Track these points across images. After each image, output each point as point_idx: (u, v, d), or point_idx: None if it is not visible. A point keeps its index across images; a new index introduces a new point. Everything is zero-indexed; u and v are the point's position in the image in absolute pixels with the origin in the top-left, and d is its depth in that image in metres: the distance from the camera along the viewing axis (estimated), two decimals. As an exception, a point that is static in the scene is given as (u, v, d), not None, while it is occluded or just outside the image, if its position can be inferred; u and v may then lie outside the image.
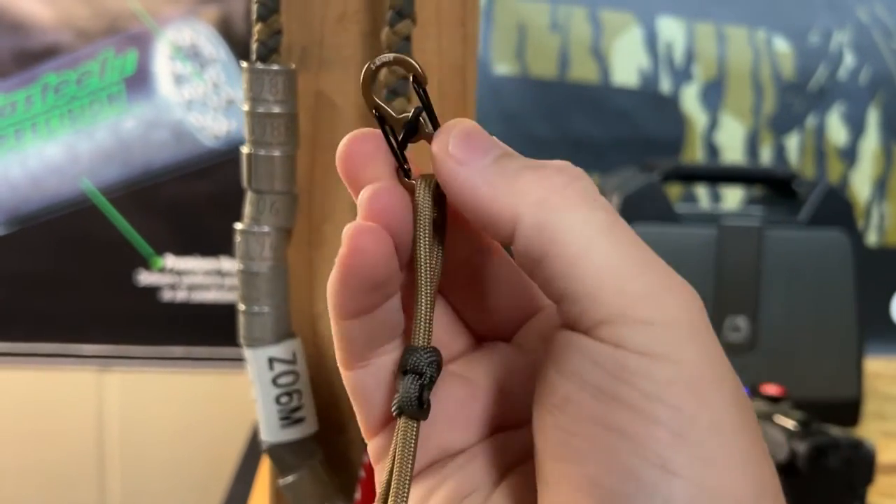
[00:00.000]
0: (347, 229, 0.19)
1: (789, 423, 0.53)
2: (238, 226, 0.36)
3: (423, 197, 0.19)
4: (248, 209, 0.35)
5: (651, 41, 1.08)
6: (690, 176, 0.87)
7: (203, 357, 1.03)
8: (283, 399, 0.36)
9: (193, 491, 1.04)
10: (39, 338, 1.02)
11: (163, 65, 1.00)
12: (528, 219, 0.18)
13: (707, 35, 1.09)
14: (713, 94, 1.10)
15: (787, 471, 0.51)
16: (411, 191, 0.20)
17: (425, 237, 0.19)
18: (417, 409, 0.19)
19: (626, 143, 1.08)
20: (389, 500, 0.19)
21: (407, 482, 0.19)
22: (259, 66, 0.34)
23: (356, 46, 0.37)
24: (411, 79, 0.20)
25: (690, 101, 1.09)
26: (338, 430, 0.39)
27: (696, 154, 1.10)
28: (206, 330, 1.02)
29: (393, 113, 0.20)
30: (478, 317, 0.22)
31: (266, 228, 0.35)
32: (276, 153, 0.35)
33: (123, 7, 0.99)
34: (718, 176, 0.92)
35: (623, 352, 0.17)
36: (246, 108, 0.35)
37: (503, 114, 1.07)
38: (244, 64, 0.35)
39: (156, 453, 1.04)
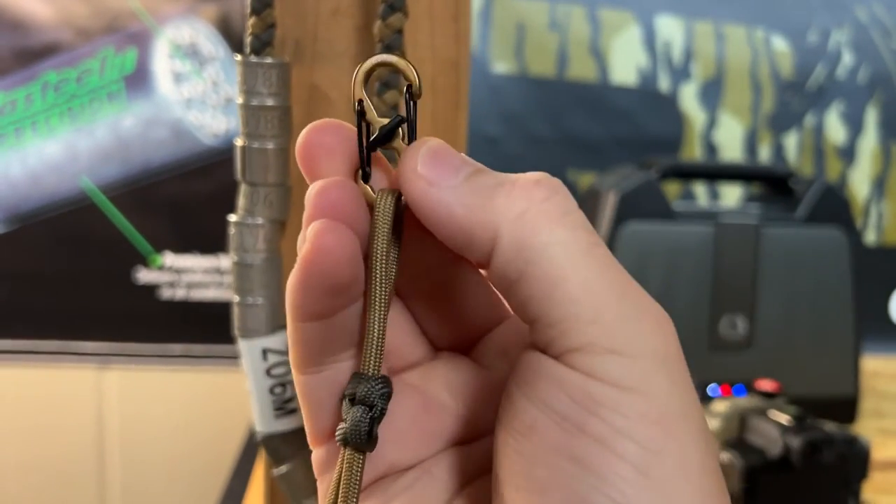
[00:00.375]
0: (312, 227, 0.17)
1: (784, 419, 0.53)
2: (232, 218, 0.36)
3: (383, 212, 0.18)
4: (241, 201, 0.36)
5: (650, 40, 1.08)
6: (688, 173, 0.87)
7: (202, 355, 1.03)
8: (277, 390, 0.36)
9: (192, 487, 1.04)
10: (39, 335, 1.02)
11: (162, 63, 1.00)
12: (507, 237, 0.17)
13: (706, 34, 1.09)
14: (712, 93, 1.10)
15: (781, 466, 0.52)
16: (369, 200, 0.18)
17: (381, 257, 0.18)
18: (366, 441, 0.18)
19: (624, 141, 1.09)
20: None
21: None
22: (253, 59, 0.34)
23: (350, 40, 0.37)
24: (405, 88, 0.19)
25: (689, 99, 1.09)
26: (331, 421, 0.39)
27: (694, 153, 1.10)
28: (205, 328, 1.03)
29: (375, 112, 0.19)
30: (437, 326, 0.21)
31: (260, 220, 0.35)
32: (270, 146, 0.35)
33: (123, 5, 0.99)
34: (715, 173, 0.92)
35: (593, 381, 0.17)
36: (240, 100, 0.35)
37: (502, 112, 1.07)
38: (238, 57, 0.35)
39: (155, 450, 1.04)
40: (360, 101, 0.19)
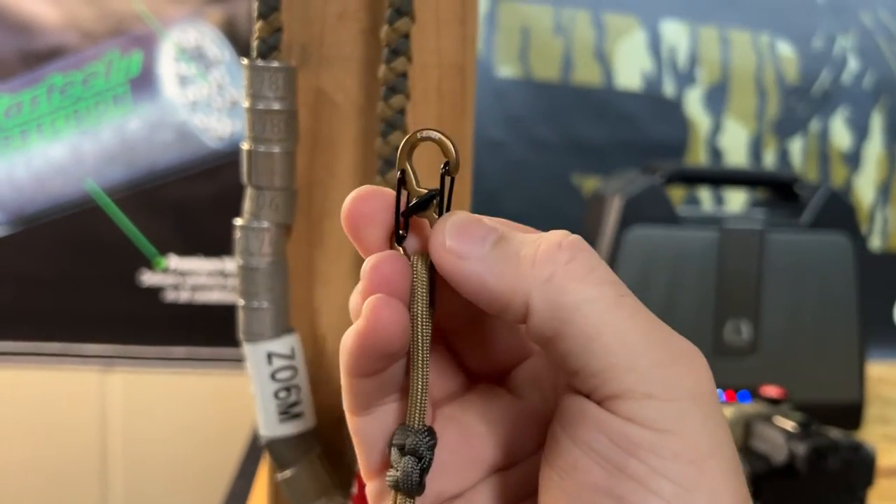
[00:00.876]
0: (368, 302, 0.19)
1: (789, 425, 0.53)
2: (238, 221, 0.36)
3: (420, 277, 0.20)
4: (247, 205, 0.36)
5: (655, 45, 1.08)
6: (692, 178, 0.87)
7: (205, 358, 1.03)
8: (282, 394, 0.36)
9: (195, 490, 1.04)
10: (43, 337, 1.02)
11: (167, 66, 1.01)
12: (539, 301, 0.18)
13: (711, 39, 1.09)
14: (717, 98, 1.10)
15: (786, 472, 0.51)
16: (404, 260, 0.20)
17: (422, 319, 0.20)
18: (416, 489, 0.20)
19: (629, 146, 1.08)
20: None
21: None
22: (259, 62, 0.34)
23: (356, 44, 0.37)
24: (442, 165, 0.20)
25: (694, 104, 1.09)
26: (335, 425, 0.39)
27: (699, 158, 1.10)
28: (209, 330, 1.03)
29: (415, 182, 0.20)
30: (472, 359, 0.23)
31: (265, 224, 0.35)
32: (276, 149, 0.35)
33: (129, 8, 0.99)
34: (720, 178, 0.92)
35: (631, 425, 0.18)
36: (246, 104, 0.35)
37: (506, 116, 1.07)
38: (244, 61, 0.35)
39: (158, 453, 1.04)
40: (403, 171, 0.20)
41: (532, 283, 0.19)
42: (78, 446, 1.04)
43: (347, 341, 0.19)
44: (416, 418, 0.20)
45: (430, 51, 0.36)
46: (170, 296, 1.02)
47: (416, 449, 0.20)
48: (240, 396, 0.98)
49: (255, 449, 0.76)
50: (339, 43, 0.37)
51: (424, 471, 0.20)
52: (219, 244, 1.02)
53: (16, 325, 1.02)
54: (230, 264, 1.02)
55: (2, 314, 1.02)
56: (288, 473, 0.37)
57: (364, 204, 0.20)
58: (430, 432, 0.20)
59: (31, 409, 1.03)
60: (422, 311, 0.20)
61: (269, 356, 0.36)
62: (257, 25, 0.35)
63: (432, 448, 0.20)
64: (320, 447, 0.38)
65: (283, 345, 0.36)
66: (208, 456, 1.04)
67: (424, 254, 0.20)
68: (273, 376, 0.36)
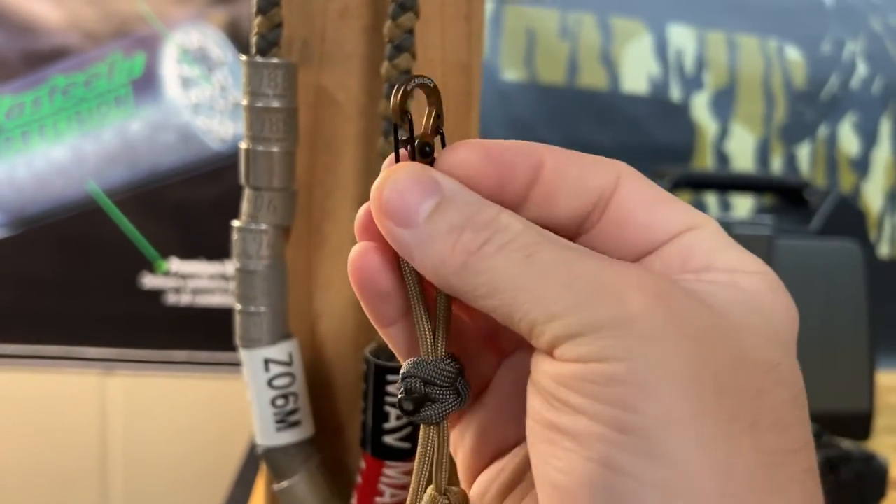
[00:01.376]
0: (354, 248, 0.21)
1: (799, 435, 0.52)
2: (235, 223, 0.35)
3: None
4: (245, 206, 0.35)
5: (661, 49, 1.07)
6: (701, 183, 0.86)
7: (206, 361, 1.02)
8: (279, 402, 0.35)
9: (194, 494, 1.03)
10: (43, 340, 1.01)
11: (170, 68, 1.00)
12: (457, 285, 0.19)
13: (718, 43, 1.08)
14: (724, 103, 1.09)
15: (797, 483, 0.50)
16: None
17: (416, 288, 0.21)
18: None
19: (635, 150, 1.07)
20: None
21: (442, 470, 0.21)
22: (258, 59, 0.34)
23: (358, 41, 0.36)
24: (434, 112, 0.20)
25: (701, 109, 1.08)
26: (334, 433, 0.38)
27: (706, 163, 1.09)
28: (210, 334, 1.02)
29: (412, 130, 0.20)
30: (494, 335, 0.23)
31: (264, 226, 0.34)
32: (275, 149, 0.34)
33: (132, 9, 0.99)
34: (729, 184, 0.91)
35: (563, 364, 0.18)
36: (244, 102, 0.34)
37: (512, 120, 1.06)
38: (243, 57, 0.34)
39: (158, 457, 1.03)
40: (405, 116, 0.20)
41: (450, 273, 0.19)
42: (78, 449, 1.03)
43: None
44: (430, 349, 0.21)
45: (434, 48, 0.35)
46: (171, 299, 1.01)
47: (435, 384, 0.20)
48: (240, 400, 0.97)
49: (253, 455, 0.75)
50: (341, 40, 0.36)
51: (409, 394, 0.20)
52: (220, 247, 1.01)
53: (16, 327, 1.01)
54: (231, 267, 1.01)
55: (2, 316, 1.01)
56: (286, 484, 0.36)
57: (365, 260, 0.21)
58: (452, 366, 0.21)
59: (31, 411, 1.03)
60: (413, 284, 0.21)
61: (267, 363, 0.35)
62: (256, 21, 0.34)
63: (465, 388, 0.21)
64: (319, 456, 0.37)
65: (280, 351, 0.35)
66: (208, 459, 1.03)
67: None
68: (270, 383, 0.35)
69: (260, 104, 0.33)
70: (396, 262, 0.21)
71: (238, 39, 1.00)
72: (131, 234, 1.01)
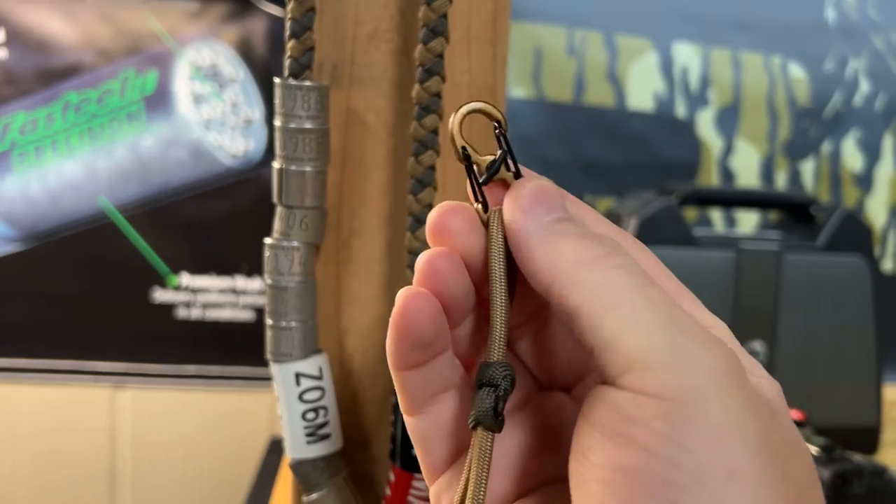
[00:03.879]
0: (401, 293, 0.20)
1: (812, 449, 0.53)
2: (268, 240, 0.36)
3: (496, 224, 0.21)
4: (277, 224, 0.35)
5: (667, 66, 1.08)
6: (708, 200, 0.87)
7: (216, 375, 1.02)
8: (310, 415, 0.36)
9: (204, 510, 1.04)
10: (54, 354, 1.02)
11: (182, 84, 1.01)
12: (562, 278, 0.19)
13: (722, 61, 1.10)
14: (728, 120, 1.10)
15: (811, 497, 0.51)
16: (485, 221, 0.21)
17: (499, 262, 0.21)
18: (493, 419, 0.20)
19: (641, 166, 1.08)
20: (467, 500, 0.20)
21: (483, 487, 0.20)
22: (292, 82, 0.34)
23: (387, 64, 0.37)
24: (494, 126, 0.21)
25: (706, 126, 1.09)
26: (363, 446, 0.39)
27: (711, 179, 1.10)
28: (220, 348, 1.02)
29: (479, 156, 0.21)
30: (541, 368, 0.23)
31: (295, 243, 0.35)
32: (308, 168, 0.35)
33: (145, 27, 1.00)
34: (737, 200, 0.92)
35: (638, 395, 0.17)
36: (278, 123, 0.35)
37: (519, 137, 1.07)
38: (277, 80, 0.35)
39: (168, 471, 1.04)
40: (464, 148, 0.21)
41: (561, 262, 0.19)
42: (88, 462, 1.03)
43: (388, 334, 0.20)
44: (495, 353, 0.20)
45: (461, 71, 0.36)
46: (182, 313, 1.02)
47: (492, 378, 0.20)
48: (251, 415, 0.98)
49: (267, 468, 0.75)
50: (371, 63, 0.37)
51: (500, 399, 0.20)
52: (231, 262, 1.02)
53: (28, 342, 1.02)
54: (242, 282, 1.02)
55: (14, 331, 1.02)
56: (315, 496, 0.36)
57: (449, 219, 0.21)
58: (507, 366, 0.21)
59: (42, 425, 1.03)
60: (500, 257, 0.20)
61: (298, 377, 0.36)
62: (289, 45, 0.35)
63: (508, 379, 0.20)
64: (347, 469, 0.37)
65: (311, 365, 0.36)
66: (219, 474, 1.03)
67: (500, 208, 0.21)
68: (301, 397, 0.36)
69: (293, 125, 0.34)
70: (444, 308, 0.20)
71: (249, 57, 1.01)
72: (143, 249, 1.02)
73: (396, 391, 0.21)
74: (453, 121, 0.21)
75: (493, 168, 0.21)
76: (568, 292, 0.19)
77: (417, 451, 0.22)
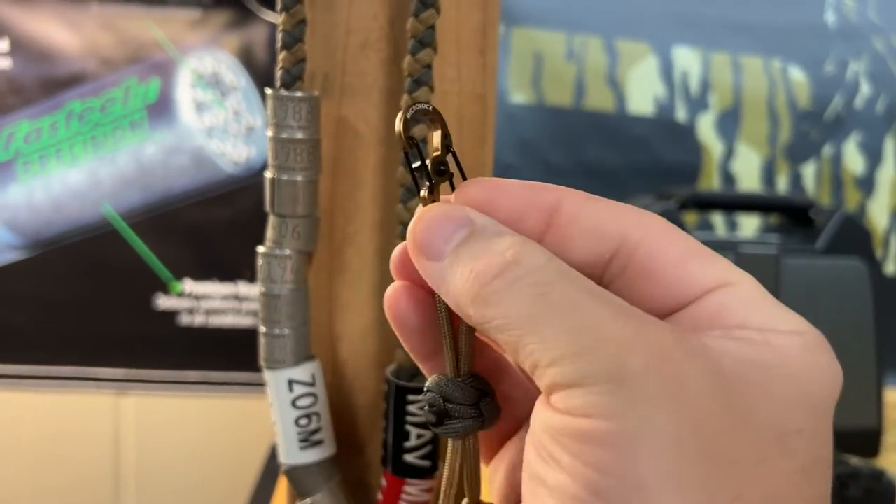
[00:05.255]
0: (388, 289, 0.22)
1: (808, 453, 0.53)
2: (260, 249, 0.36)
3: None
4: (270, 232, 0.36)
5: (667, 70, 1.08)
6: (708, 204, 0.87)
7: (219, 381, 1.03)
8: (303, 421, 0.36)
9: (208, 516, 1.04)
10: (58, 361, 1.02)
11: (185, 92, 1.02)
12: (470, 314, 0.19)
13: (722, 64, 1.10)
14: (729, 123, 1.10)
15: (807, 501, 0.51)
16: None
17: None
18: (440, 429, 0.21)
19: (641, 171, 1.09)
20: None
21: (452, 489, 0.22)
22: (283, 92, 0.35)
23: (378, 73, 0.37)
24: (441, 133, 0.21)
25: (706, 129, 1.09)
26: (356, 452, 0.39)
27: (712, 183, 1.10)
28: (223, 354, 1.03)
29: (426, 153, 0.21)
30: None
31: (288, 251, 0.36)
32: (299, 178, 0.35)
33: (147, 36, 1.01)
34: (736, 204, 0.92)
35: (557, 415, 0.17)
36: (270, 133, 0.35)
37: (520, 142, 1.08)
38: (269, 91, 0.35)
39: (171, 477, 1.04)
40: (414, 146, 0.21)
41: (466, 303, 0.19)
42: (91, 468, 1.04)
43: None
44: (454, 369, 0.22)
45: (451, 80, 0.37)
46: (184, 319, 1.03)
47: (433, 400, 0.21)
48: (254, 421, 0.98)
49: (269, 474, 0.76)
50: (362, 73, 0.37)
51: (438, 413, 0.21)
52: (233, 268, 1.02)
53: (31, 348, 1.02)
54: (244, 288, 1.03)
55: (17, 337, 1.02)
56: (308, 501, 0.37)
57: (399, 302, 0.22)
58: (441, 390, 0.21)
59: (46, 431, 1.04)
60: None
61: (290, 383, 0.36)
62: (281, 56, 0.35)
63: (440, 403, 0.21)
64: (340, 475, 0.38)
65: (304, 372, 0.36)
66: (222, 480, 1.04)
67: None
68: (294, 403, 0.36)
69: (285, 135, 0.35)
70: (428, 299, 0.22)
71: (251, 65, 1.01)
72: (146, 256, 1.02)
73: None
74: (401, 123, 0.21)
75: (435, 167, 0.21)
76: (480, 326, 0.19)
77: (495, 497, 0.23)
